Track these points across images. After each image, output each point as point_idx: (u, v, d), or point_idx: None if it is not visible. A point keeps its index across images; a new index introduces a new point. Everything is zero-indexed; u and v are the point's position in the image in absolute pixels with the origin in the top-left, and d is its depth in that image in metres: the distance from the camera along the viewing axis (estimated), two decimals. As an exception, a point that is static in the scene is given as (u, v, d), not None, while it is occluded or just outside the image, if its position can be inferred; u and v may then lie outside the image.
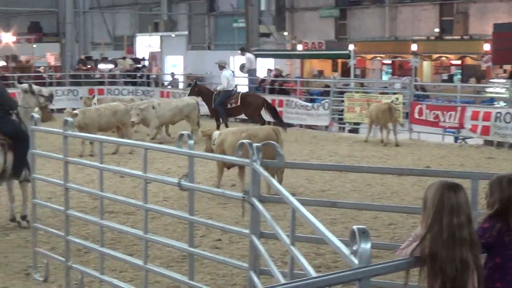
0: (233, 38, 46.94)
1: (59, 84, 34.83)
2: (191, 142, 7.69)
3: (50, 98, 13.40)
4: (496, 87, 29.74)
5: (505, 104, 24.21)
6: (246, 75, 32.75)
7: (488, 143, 22.54)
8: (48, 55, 45.21)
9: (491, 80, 32.91)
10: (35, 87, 13.14)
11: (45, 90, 13.50)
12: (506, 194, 4.64)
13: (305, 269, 4.63)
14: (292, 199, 5.31)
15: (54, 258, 9.44)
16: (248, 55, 32.60)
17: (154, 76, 37.41)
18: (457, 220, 4.24)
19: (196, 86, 25.55)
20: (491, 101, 26.63)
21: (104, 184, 8.82)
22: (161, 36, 43.80)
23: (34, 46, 41.98)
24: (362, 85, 31.41)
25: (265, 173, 6.46)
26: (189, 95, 24.90)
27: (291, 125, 27.66)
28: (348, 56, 34.15)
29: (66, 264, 8.93)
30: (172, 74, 37.96)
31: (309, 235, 7.29)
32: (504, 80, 30.22)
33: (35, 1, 57.98)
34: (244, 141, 7.12)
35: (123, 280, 8.82)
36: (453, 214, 4.24)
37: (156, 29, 48.59)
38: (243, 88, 33.24)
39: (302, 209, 4.97)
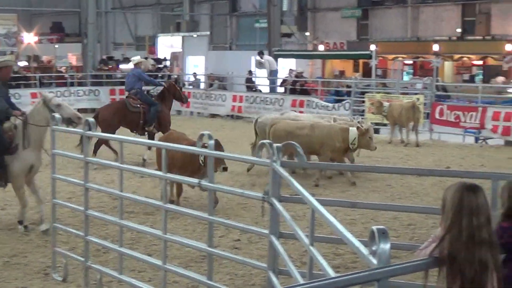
0: (254, 38, 46.91)
1: (80, 84, 34.98)
2: (211, 142, 7.68)
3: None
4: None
5: (527, 104, 24.11)
6: (265, 74, 32.86)
7: (509, 143, 22.49)
8: (70, 55, 45.41)
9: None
10: (64, 105, 12.21)
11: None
12: None
13: (324, 269, 4.61)
14: (311, 199, 5.29)
15: (73, 258, 9.47)
16: (267, 57, 32.72)
17: (176, 76, 37.46)
18: (476, 221, 4.21)
19: None
20: (512, 101, 26.51)
21: (124, 184, 8.84)
22: (183, 37, 43.88)
23: (56, 46, 42.15)
24: (383, 85, 31.34)
25: (285, 173, 6.44)
26: None
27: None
28: (369, 57, 34.04)
29: (85, 264, 8.95)
30: (194, 74, 38.05)
31: (328, 235, 7.27)
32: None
33: (58, 1, 58.26)
34: (264, 141, 7.09)
35: (142, 280, 8.84)
36: (472, 215, 4.22)
37: (178, 29, 48.62)
38: (265, 89, 33.36)
39: (322, 209, 4.95)
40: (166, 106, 20.01)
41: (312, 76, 40.27)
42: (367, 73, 37.46)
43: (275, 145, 6.71)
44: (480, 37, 38.80)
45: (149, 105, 19.27)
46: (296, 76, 33.19)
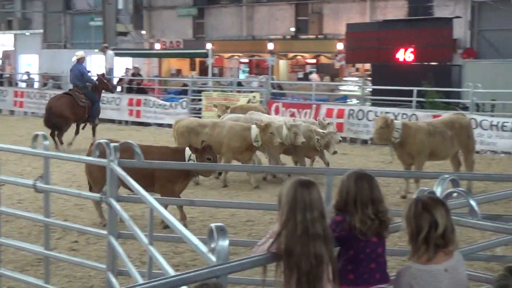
0: (89, 36, 46.22)
1: None
2: (47, 142, 7.53)
3: None
4: (349, 85, 30.64)
5: (357, 101, 24.95)
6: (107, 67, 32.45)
7: (342, 139, 23.17)
8: None
9: (344, 79, 33.83)
10: None
11: None
12: (345, 187, 4.80)
13: (163, 268, 4.63)
14: (149, 198, 5.29)
15: None
16: (110, 52, 32.32)
17: (8, 75, 36.40)
18: (310, 216, 4.32)
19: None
20: (344, 98, 27.39)
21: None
22: (15, 34, 42.73)
23: None
24: (220, 84, 31.61)
25: (123, 172, 6.40)
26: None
27: (149, 124, 27.67)
28: (205, 55, 34.23)
29: None
30: (27, 73, 37.09)
31: (167, 234, 7.28)
32: (356, 79, 31.15)
33: None
34: (101, 140, 7.03)
35: (-24, 286, 8.56)
36: (306, 210, 4.32)
37: (9, 27, 47.26)
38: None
39: (160, 208, 4.95)
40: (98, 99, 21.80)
41: (149, 75, 40.13)
42: (203, 71, 37.69)
43: (112, 144, 6.66)
44: (313, 36, 39.81)
45: (93, 102, 20.96)
46: (133, 75, 32.97)
